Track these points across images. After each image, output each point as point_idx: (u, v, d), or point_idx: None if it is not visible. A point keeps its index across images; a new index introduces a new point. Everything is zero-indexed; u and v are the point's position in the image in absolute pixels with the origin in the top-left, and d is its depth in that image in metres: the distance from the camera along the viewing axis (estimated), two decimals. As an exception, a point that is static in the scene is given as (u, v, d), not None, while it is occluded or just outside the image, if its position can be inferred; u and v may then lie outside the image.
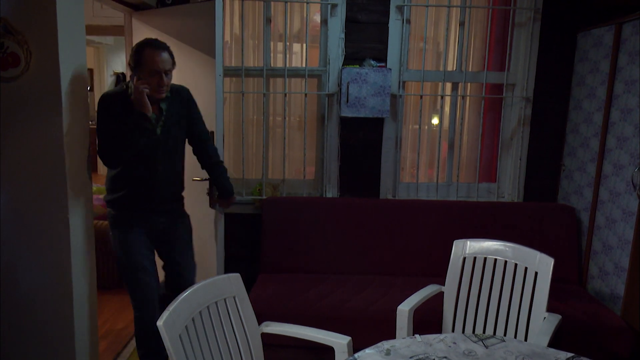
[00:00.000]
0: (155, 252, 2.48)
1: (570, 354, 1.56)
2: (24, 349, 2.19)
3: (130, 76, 2.29)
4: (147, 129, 2.19)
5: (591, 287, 2.98)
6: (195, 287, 1.61)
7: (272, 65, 3.31)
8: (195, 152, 2.55)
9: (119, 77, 8.07)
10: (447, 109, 3.45)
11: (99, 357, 2.53)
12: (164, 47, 2.24)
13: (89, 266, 2.32)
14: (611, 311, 2.66)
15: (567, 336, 2.48)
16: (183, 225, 2.51)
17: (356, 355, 1.52)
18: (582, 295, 2.85)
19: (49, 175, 2.07)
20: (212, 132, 2.65)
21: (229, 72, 3.28)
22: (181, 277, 2.48)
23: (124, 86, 2.29)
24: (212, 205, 2.69)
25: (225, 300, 1.71)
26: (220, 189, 2.59)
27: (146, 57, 2.18)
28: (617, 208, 2.74)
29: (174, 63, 2.27)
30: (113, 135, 2.19)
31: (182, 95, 2.42)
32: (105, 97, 2.26)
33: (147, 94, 2.17)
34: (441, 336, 1.64)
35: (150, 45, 2.21)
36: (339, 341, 1.80)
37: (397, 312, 2.13)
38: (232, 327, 1.72)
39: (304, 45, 3.27)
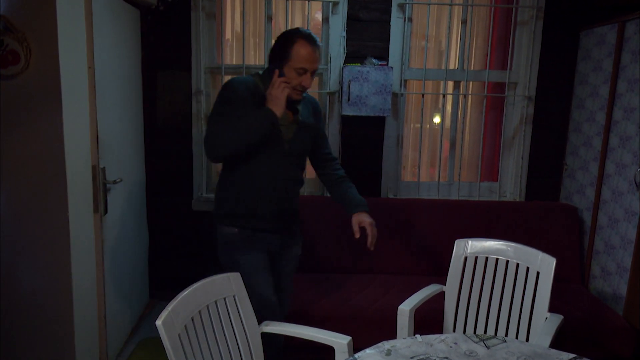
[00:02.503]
0: None
1: (572, 355, 1.54)
2: (25, 348, 2.18)
3: (269, 67, 2.02)
4: (268, 130, 1.91)
5: (593, 287, 2.96)
6: (194, 286, 1.60)
7: (273, 63, 3.30)
8: (319, 173, 2.31)
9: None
10: (448, 107, 3.44)
11: (100, 356, 2.53)
12: (318, 42, 1.96)
13: (91, 266, 2.32)
14: (613, 311, 2.64)
15: (569, 336, 2.47)
16: (295, 249, 2.27)
17: (356, 355, 1.51)
18: (584, 295, 2.84)
19: (49, 173, 2.06)
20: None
21: (229, 70, 3.27)
22: (282, 305, 2.22)
23: (254, 76, 2.05)
24: (358, 234, 2.15)
25: (225, 299, 1.70)
26: (350, 201, 2.22)
27: (297, 51, 1.91)
28: (619, 207, 2.72)
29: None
30: (228, 125, 1.90)
31: (313, 105, 2.18)
32: (232, 83, 2.00)
33: (289, 93, 1.93)
34: (442, 336, 1.63)
35: (304, 37, 1.92)
36: (339, 341, 1.79)
37: (398, 312, 2.12)
38: (232, 327, 1.71)
39: (305, 43, 3.25)
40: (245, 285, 1.78)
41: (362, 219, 2.14)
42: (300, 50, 1.90)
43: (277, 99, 1.88)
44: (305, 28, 3.17)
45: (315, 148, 2.22)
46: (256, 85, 2.00)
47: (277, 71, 1.93)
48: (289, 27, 3.24)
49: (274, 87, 1.89)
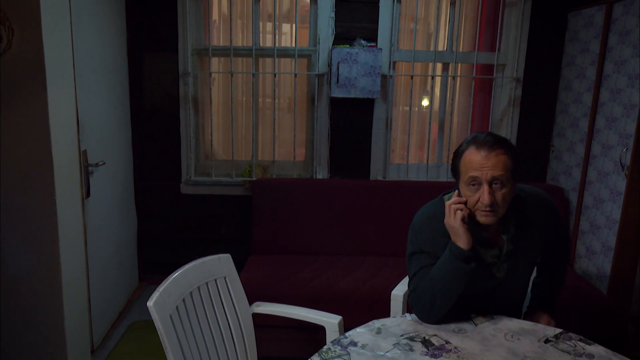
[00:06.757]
0: None
1: (558, 330, 1.58)
2: (13, 333, 2.17)
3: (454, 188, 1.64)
4: (466, 269, 1.52)
5: (578, 267, 3.02)
6: (185, 267, 1.60)
7: (261, 45, 3.27)
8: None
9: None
10: (437, 90, 3.44)
11: (90, 339, 2.52)
12: (497, 143, 1.49)
13: (79, 249, 2.30)
14: (598, 289, 2.70)
15: (555, 313, 2.51)
16: None
17: (347, 333, 1.53)
18: (570, 274, 2.88)
19: (34, 155, 2.03)
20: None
21: (217, 51, 3.23)
22: None
23: (439, 202, 1.67)
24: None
25: (215, 280, 1.70)
26: (534, 296, 1.86)
27: (465, 160, 1.51)
28: (605, 188, 2.76)
29: (514, 168, 1.50)
30: (428, 281, 1.58)
31: (539, 210, 1.67)
32: (413, 226, 1.70)
33: (465, 217, 1.52)
34: (431, 314, 1.65)
35: (473, 142, 1.51)
36: (330, 320, 1.81)
37: (392, 297, 2.12)
38: (223, 308, 1.72)
39: (294, 25, 3.22)
40: None
41: (535, 319, 1.77)
42: (469, 158, 1.50)
43: (452, 229, 1.53)
44: (294, 9, 3.16)
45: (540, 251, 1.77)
46: (441, 216, 1.61)
47: (457, 191, 1.59)
48: (277, 9, 3.20)
49: (446, 214, 1.55)
